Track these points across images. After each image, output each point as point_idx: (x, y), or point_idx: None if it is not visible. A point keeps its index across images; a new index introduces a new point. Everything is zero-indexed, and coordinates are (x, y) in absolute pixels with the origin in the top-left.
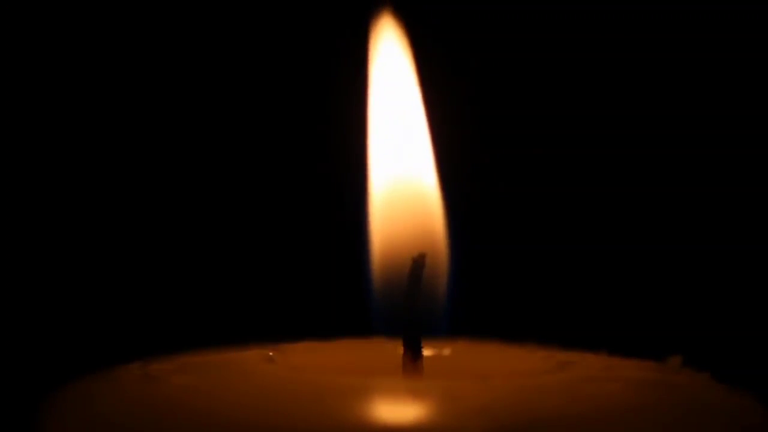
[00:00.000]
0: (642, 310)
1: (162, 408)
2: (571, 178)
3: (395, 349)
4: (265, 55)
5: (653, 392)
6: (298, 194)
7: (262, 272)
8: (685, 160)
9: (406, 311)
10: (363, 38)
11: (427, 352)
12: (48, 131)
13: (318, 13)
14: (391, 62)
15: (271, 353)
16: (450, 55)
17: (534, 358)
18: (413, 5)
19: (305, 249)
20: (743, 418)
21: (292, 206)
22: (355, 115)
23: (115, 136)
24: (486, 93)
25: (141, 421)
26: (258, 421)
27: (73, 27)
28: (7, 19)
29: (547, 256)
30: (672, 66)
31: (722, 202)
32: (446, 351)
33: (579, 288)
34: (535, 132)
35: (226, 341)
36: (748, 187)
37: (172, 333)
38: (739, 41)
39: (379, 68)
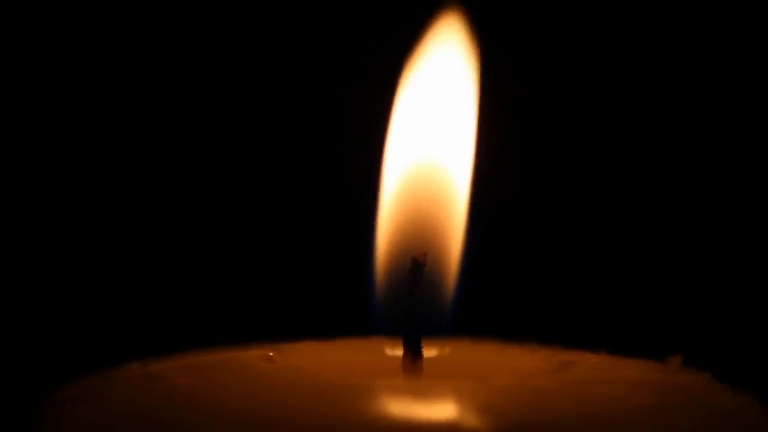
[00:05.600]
0: (642, 310)
1: (162, 408)
2: (573, 180)
3: (395, 349)
4: (296, 34)
5: (653, 392)
6: (300, 194)
7: (262, 272)
8: (685, 162)
9: (406, 310)
10: (421, 24)
11: (427, 352)
12: (48, 131)
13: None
14: (448, 51)
15: (271, 353)
16: (514, 57)
17: (534, 358)
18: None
19: (306, 249)
20: (743, 418)
21: (293, 206)
22: (382, 108)
23: (116, 137)
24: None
25: (141, 421)
26: (258, 421)
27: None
28: (7, 19)
29: (548, 256)
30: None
31: (721, 202)
32: (446, 351)
33: (579, 288)
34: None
35: (226, 341)
36: (747, 187)
37: (172, 333)
38: None
39: (434, 55)
